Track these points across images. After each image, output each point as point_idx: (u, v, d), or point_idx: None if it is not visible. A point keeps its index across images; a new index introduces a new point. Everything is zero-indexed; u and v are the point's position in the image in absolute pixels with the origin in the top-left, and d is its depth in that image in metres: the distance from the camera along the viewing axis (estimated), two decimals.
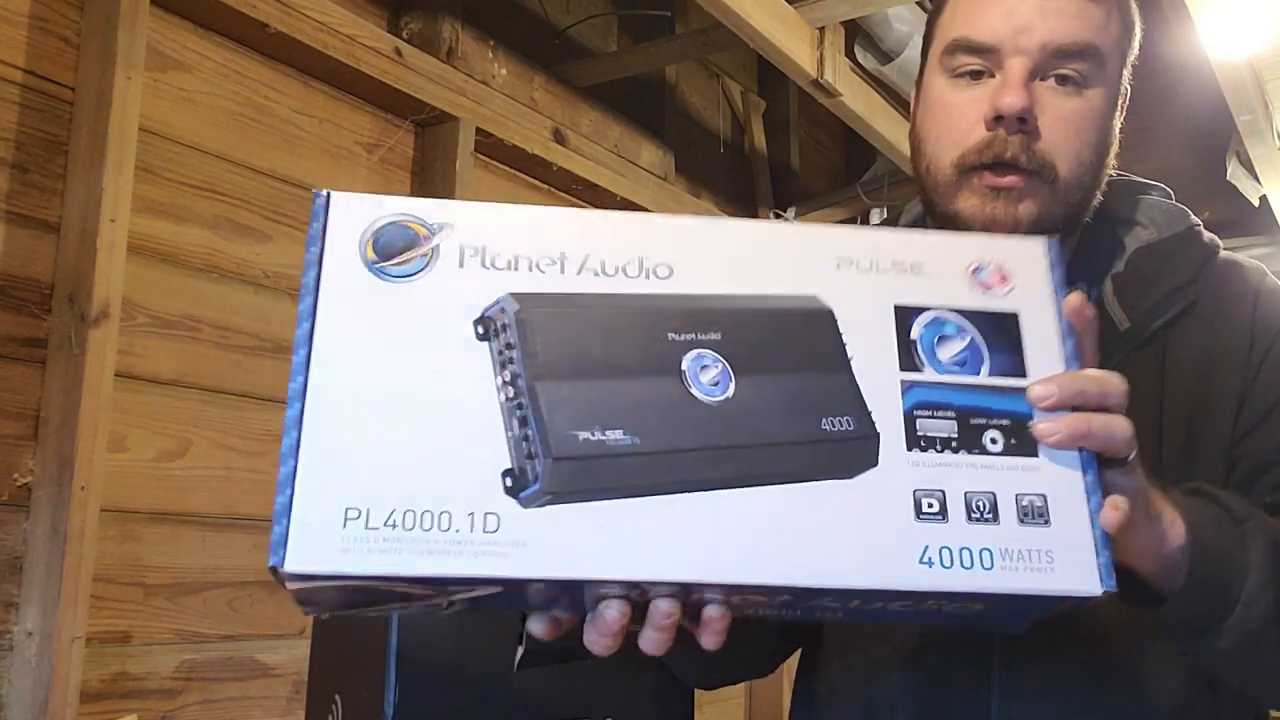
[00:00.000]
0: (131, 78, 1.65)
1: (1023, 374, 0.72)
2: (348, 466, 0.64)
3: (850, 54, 2.57)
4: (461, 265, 0.68)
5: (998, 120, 0.89)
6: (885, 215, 3.31)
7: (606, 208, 2.72)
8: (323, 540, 0.61)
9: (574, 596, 0.68)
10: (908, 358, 0.71)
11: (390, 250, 0.69)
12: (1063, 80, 0.91)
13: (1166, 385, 0.95)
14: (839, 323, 0.71)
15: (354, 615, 0.75)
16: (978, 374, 0.72)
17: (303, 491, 0.62)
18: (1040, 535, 0.68)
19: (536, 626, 0.72)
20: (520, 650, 1.10)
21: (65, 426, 1.56)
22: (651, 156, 2.86)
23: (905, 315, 0.73)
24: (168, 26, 1.81)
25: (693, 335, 0.69)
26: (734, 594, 0.67)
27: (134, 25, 1.66)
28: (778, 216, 3.43)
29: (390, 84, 2.08)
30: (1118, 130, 0.97)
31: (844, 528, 0.66)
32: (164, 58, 1.81)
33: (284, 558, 0.61)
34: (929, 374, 0.71)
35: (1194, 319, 0.96)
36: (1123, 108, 0.97)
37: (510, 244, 0.69)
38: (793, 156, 3.59)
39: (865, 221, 3.38)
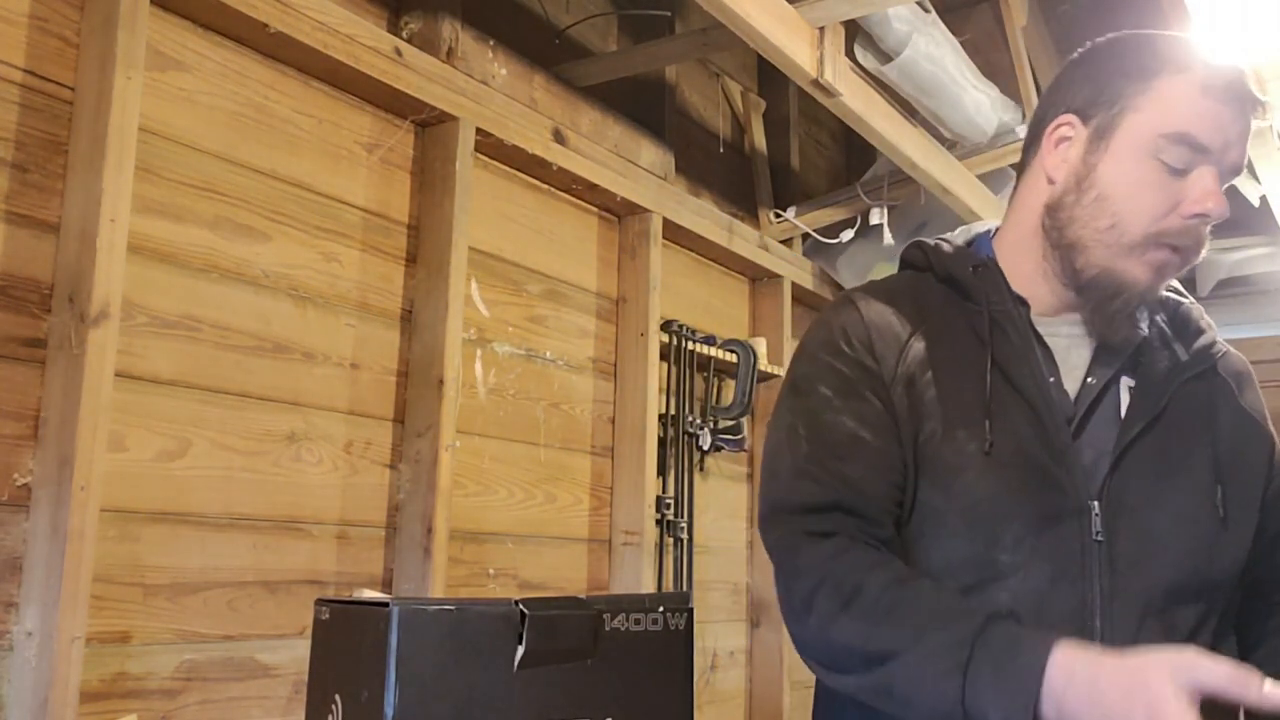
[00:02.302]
0: (131, 78, 1.65)
1: None
2: None
3: (850, 54, 2.57)
4: None
5: (1199, 216, 1.08)
6: (885, 215, 3.30)
7: (606, 208, 2.72)
8: None
9: None
10: None
11: None
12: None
13: (1218, 408, 1.16)
14: None
15: None
16: None
17: None
18: None
19: None
20: (520, 650, 1.10)
21: (65, 426, 1.56)
22: (651, 156, 2.86)
23: None
24: (168, 26, 1.81)
25: None
26: None
27: (134, 25, 1.66)
28: (778, 217, 3.43)
29: (390, 84, 2.08)
30: None
31: None
32: (164, 58, 1.81)
33: None
34: None
35: (1227, 367, 1.20)
36: None
37: None
38: (793, 156, 3.59)
39: (865, 221, 3.37)
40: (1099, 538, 1.07)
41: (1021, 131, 3.19)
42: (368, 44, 2.03)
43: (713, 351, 2.99)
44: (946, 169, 3.03)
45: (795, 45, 2.30)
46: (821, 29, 2.38)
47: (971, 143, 3.16)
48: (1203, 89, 1.08)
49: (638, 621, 1.21)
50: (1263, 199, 3.33)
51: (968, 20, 3.28)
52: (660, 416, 2.80)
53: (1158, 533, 1.09)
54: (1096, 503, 1.08)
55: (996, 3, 3.24)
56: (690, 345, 2.91)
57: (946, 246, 1.22)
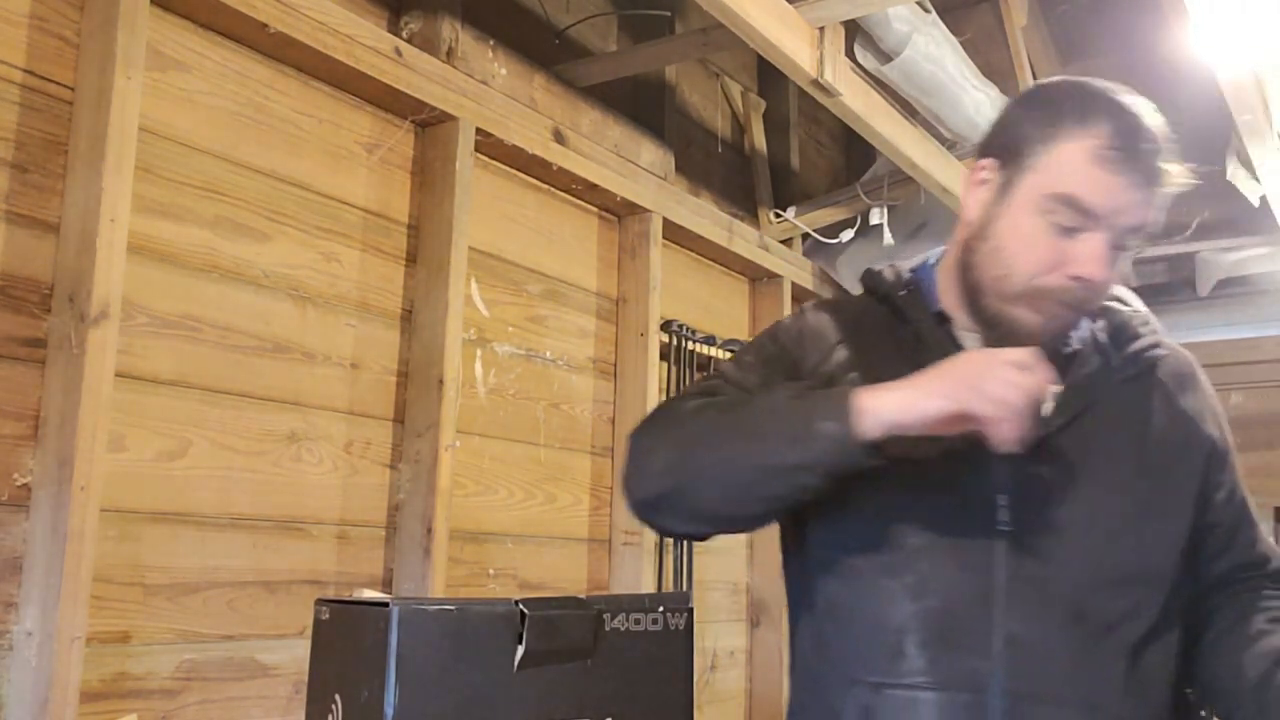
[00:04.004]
0: (131, 78, 1.65)
1: None
2: None
3: (850, 54, 2.57)
4: None
5: (1078, 279, 1.11)
6: (885, 215, 3.30)
7: (606, 208, 2.72)
8: None
9: None
10: None
11: None
12: (1120, 247, 1.13)
13: (1152, 410, 1.21)
14: None
15: None
16: None
17: None
18: None
19: None
20: (520, 650, 1.10)
21: (65, 426, 1.56)
22: (651, 156, 2.86)
23: None
24: (168, 26, 1.81)
25: None
26: None
27: (134, 25, 1.66)
28: (778, 217, 3.43)
29: (390, 84, 2.08)
30: None
31: None
32: (164, 58, 1.81)
33: None
34: None
35: (1166, 369, 1.24)
36: None
37: None
38: (793, 156, 3.59)
39: (865, 221, 3.37)
40: (1004, 527, 1.13)
41: None
42: (368, 44, 2.03)
43: (713, 351, 2.99)
44: (946, 169, 3.03)
45: (795, 45, 2.30)
46: (821, 29, 2.38)
47: (971, 143, 3.16)
48: (1093, 157, 1.10)
49: (638, 621, 1.21)
50: (1263, 199, 3.33)
51: (968, 20, 3.27)
52: None
53: (1068, 524, 1.14)
54: (1005, 495, 1.13)
55: (996, 3, 3.24)
56: (690, 345, 2.91)
57: (888, 272, 1.30)
